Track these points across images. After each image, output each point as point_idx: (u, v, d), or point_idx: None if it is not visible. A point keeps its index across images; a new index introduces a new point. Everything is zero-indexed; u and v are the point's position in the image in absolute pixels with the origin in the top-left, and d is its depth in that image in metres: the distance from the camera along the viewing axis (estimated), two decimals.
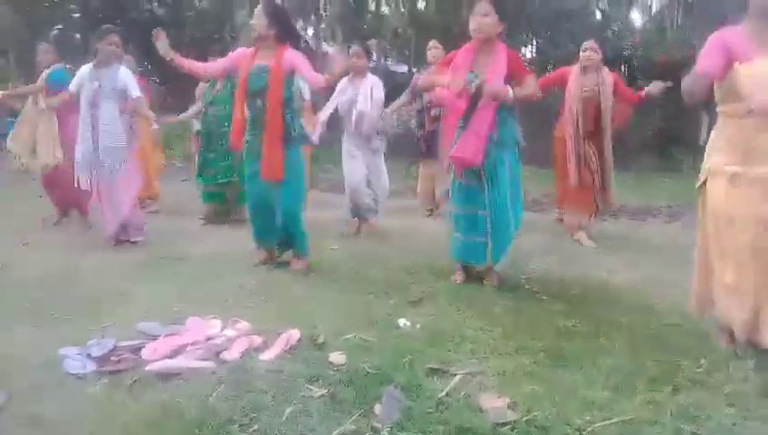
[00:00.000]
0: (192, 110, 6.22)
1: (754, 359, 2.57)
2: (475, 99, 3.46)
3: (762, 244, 2.56)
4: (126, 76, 4.66)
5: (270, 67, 3.80)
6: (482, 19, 3.50)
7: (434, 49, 6.07)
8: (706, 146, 2.83)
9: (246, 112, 3.92)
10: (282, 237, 4.07)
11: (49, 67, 5.34)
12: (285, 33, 3.90)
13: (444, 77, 3.66)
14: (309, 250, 4.11)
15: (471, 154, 3.50)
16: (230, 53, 4.13)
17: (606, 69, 5.09)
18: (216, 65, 4.15)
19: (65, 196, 5.42)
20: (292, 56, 3.86)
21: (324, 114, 5.35)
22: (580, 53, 5.07)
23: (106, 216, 4.74)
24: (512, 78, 3.52)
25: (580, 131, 4.96)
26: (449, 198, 3.85)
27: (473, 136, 3.49)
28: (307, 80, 3.98)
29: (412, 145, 6.36)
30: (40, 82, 5.32)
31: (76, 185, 4.71)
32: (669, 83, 4.76)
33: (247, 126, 3.94)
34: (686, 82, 2.63)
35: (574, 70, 5.08)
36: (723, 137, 2.73)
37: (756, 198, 2.58)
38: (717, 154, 2.72)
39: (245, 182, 4.11)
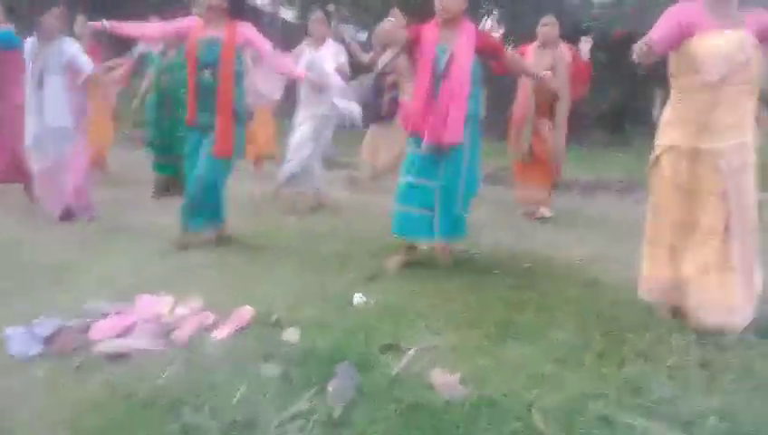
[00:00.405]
0: (144, 85, 6.02)
1: (696, 332, 2.69)
2: (445, 73, 3.43)
3: (711, 212, 2.68)
4: (71, 49, 4.44)
5: (223, 40, 3.70)
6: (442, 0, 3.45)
7: (394, 19, 6.00)
8: (660, 121, 2.89)
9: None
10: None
11: None
12: (238, 4, 3.79)
13: (401, 31, 3.57)
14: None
15: (455, 132, 3.45)
16: (177, 21, 3.96)
17: (563, 44, 5.12)
18: (155, 30, 4.03)
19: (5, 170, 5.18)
20: (244, 28, 3.77)
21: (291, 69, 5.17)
22: (539, 28, 5.08)
23: (51, 195, 4.58)
24: (481, 53, 3.50)
25: (535, 107, 5.01)
26: (403, 169, 3.72)
27: (455, 112, 3.43)
28: (261, 52, 3.89)
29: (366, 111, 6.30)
30: None
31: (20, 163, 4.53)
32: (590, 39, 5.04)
33: (196, 99, 3.82)
34: (636, 48, 2.64)
35: (533, 46, 5.09)
36: (676, 111, 2.78)
37: (704, 169, 2.68)
38: (672, 129, 2.78)
39: (186, 156, 3.98)
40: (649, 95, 10.01)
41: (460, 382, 2.24)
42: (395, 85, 6.01)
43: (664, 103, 2.95)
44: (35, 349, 2.37)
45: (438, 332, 2.70)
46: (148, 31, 4.05)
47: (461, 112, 3.44)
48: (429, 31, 3.53)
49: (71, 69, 4.45)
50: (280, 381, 2.21)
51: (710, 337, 2.66)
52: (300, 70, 4.88)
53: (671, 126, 2.80)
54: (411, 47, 3.57)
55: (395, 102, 6.02)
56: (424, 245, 3.76)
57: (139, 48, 5.93)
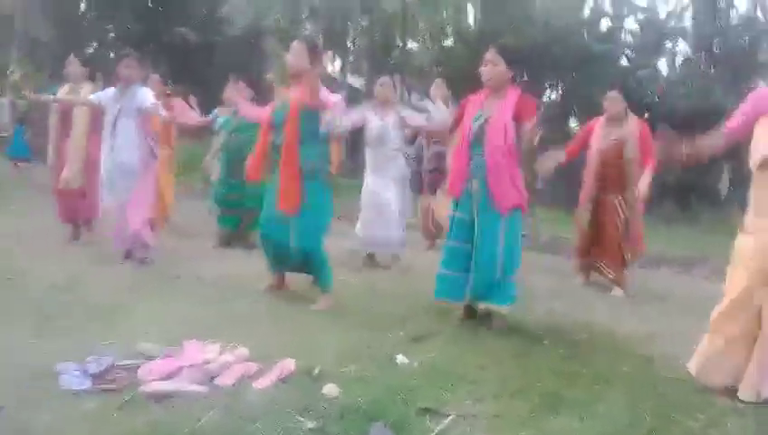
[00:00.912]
0: (211, 152, 6.37)
1: (753, 415, 2.52)
2: (479, 135, 3.53)
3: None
4: (143, 93, 4.81)
5: (290, 101, 3.88)
6: (491, 68, 3.57)
7: (436, 88, 6.20)
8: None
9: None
10: (297, 265, 4.03)
11: (75, 81, 5.44)
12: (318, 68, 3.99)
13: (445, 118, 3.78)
14: (332, 286, 4.05)
15: (518, 198, 3.55)
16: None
17: (633, 118, 5.05)
18: (267, 112, 4.14)
19: (74, 209, 5.55)
20: (324, 94, 3.93)
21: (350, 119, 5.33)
22: (604, 103, 5.04)
23: (117, 232, 4.86)
24: (517, 120, 3.54)
25: (601, 179, 4.94)
26: (447, 233, 3.80)
27: (507, 179, 3.51)
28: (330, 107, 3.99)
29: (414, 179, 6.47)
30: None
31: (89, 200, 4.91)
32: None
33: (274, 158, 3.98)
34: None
35: (601, 120, 5.06)
36: (751, 192, 2.76)
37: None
38: (749, 209, 2.77)
39: (263, 210, 4.10)
40: (717, 170, 9.74)
41: None
42: (442, 155, 6.07)
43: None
44: (85, 385, 2.46)
45: (481, 398, 2.63)
46: (265, 116, 4.13)
47: (517, 176, 3.52)
48: (475, 100, 3.66)
49: (142, 113, 4.79)
50: None
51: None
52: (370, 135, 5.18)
53: (749, 206, 2.78)
54: (459, 120, 3.71)
55: (439, 173, 6.05)
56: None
57: (216, 110, 6.31)
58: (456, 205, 3.68)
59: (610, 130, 4.96)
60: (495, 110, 3.55)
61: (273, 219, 3.94)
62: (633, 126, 4.98)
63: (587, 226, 5.02)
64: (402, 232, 5.37)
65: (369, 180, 5.38)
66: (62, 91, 5.47)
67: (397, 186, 5.33)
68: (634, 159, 4.89)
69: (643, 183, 4.90)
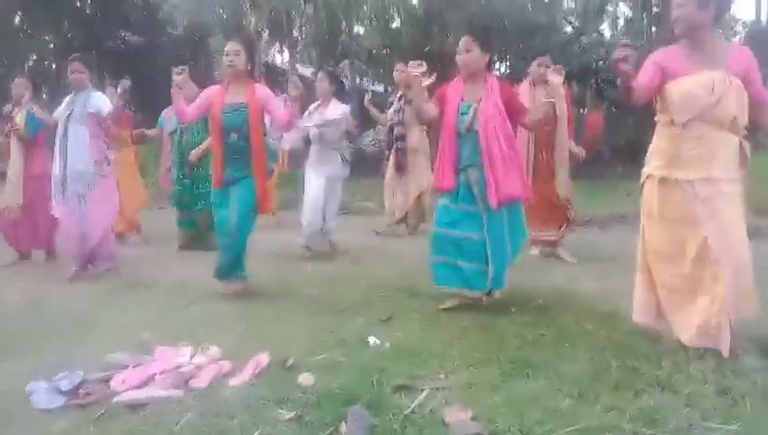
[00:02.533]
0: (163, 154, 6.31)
1: (714, 359, 2.65)
2: (471, 125, 3.52)
3: (680, 239, 2.83)
4: (97, 98, 4.72)
5: (248, 105, 3.88)
6: (466, 55, 3.55)
7: (400, 71, 6.25)
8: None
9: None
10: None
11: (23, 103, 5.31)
12: (254, 67, 4.00)
13: (432, 106, 3.67)
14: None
15: (522, 189, 3.57)
16: (200, 95, 4.13)
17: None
18: (194, 112, 4.09)
19: (27, 237, 5.43)
20: (263, 93, 3.97)
21: (301, 128, 5.36)
22: (533, 67, 5.09)
23: (72, 242, 4.72)
24: (506, 106, 3.55)
25: (535, 143, 4.99)
26: (435, 220, 3.72)
27: (514, 168, 3.51)
28: (274, 118, 4.06)
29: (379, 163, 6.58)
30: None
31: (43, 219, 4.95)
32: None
33: (223, 160, 3.94)
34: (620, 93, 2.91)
35: (524, 86, 5.10)
36: (657, 144, 2.97)
37: (677, 198, 2.83)
38: (652, 159, 2.97)
39: (216, 213, 4.05)
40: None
41: (473, 419, 2.24)
42: (402, 137, 6.27)
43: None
44: (58, 402, 2.44)
45: (452, 370, 2.71)
46: (191, 116, 4.11)
47: (520, 165, 3.58)
48: (453, 89, 3.64)
49: (93, 117, 4.69)
50: (294, 425, 2.23)
51: (729, 363, 2.62)
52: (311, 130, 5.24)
53: (652, 156, 2.99)
54: (440, 108, 3.67)
55: (402, 153, 6.26)
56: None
57: (164, 113, 6.23)
58: (448, 195, 3.61)
59: (536, 95, 4.95)
60: (482, 97, 3.53)
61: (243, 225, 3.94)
62: (558, 86, 5.07)
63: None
64: (325, 222, 5.41)
65: (308, 175, 5.49)
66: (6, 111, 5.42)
67: (329, 182, 5.37)
68: (561, 118, 4.92)
69: (560, 144, 4.99)
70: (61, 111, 4.74)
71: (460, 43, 3.60)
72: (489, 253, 3.54)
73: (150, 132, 6.55)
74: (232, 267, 4.02)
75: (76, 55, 4.96)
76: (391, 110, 6.42)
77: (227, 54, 3.93)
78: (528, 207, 5.14)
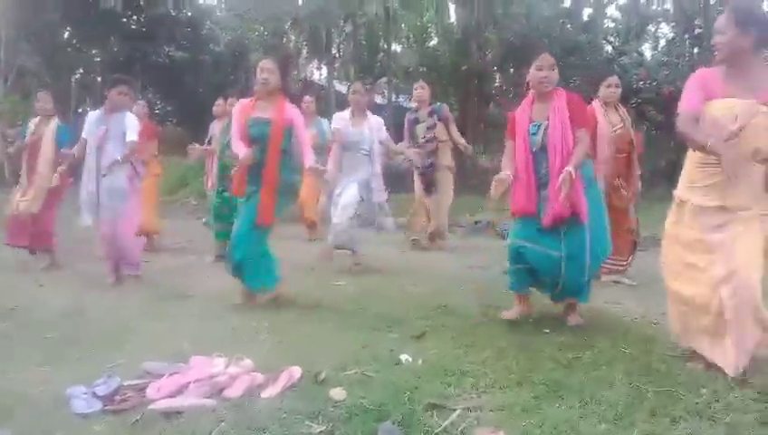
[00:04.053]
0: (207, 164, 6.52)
1: (756, 388, 2.57)
2: (542, 149, 3.50)
3: (693, 262, 2.81)
4: (129, 121, 4.87)
5: (272, 121, 3.98)
6: (550, 73, 3.54)
7: (419, 89, 6.29)
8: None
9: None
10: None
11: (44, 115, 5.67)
12: (288, 84, 4.09)
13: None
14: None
15: (581, 204, 3.48)
16: (233, 114, 4.25)
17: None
18: (239, 134, 4.12)
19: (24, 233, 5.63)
20: (292, 112, 4.06)
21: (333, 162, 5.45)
22: (603, 90, 4.94)
23: (108, 254, 4.94)
24: (572, 121, 3.50)
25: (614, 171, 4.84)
26: (513, 232, 3.71)
27: (572, 192, 3.41)
28: (297, 140, 4.12)
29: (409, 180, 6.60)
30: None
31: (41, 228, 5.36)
32: None
33: (246, 170, 4.04)
34: (679, 125, 2.80)
35: (597, 108, 4.88)
36: (685, 166, 2.92)
37: (692, 222, 2.81)
38: (680, 181, 2.94)
39: (235, 220, 4.16)
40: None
41: None
42: (435, 152, 6.29)
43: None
44: (95, 407, 2.49)
45: (485, 391, 2.67)
46: (243, 143, 4.08)
47: (579, 188, 3.44)
48: (522, 111, 3.64)
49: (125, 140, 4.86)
50: None
51: None
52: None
53: (681, 179, 2.94)
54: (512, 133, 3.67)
55: (432, 170, 6.35)
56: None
57: (212, 125, 6.45)
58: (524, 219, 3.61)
59: (612, 118, 4.87)
60: (550, 115, 3.50)
61: (245, 235, 4.02)
62: (625, 110, 5.03)
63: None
64: (357, 229, 5.36)
65: (340, 182, 5.45)
66: (33, 123, 5.72)
67: (360, 188, 5.33)
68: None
69: (634, 168, 4.93)
70: (91, 129, 4.88)
71: (542, 60, 3.56)
72: (563, 267, 3.49)
73: (202, 149, 6.66)
74: (242, 277, 4.11)
75: (123, 77, 5.17)
76: (423, 125, 6.41)
77: (261, 71, 4.04)
78: None
